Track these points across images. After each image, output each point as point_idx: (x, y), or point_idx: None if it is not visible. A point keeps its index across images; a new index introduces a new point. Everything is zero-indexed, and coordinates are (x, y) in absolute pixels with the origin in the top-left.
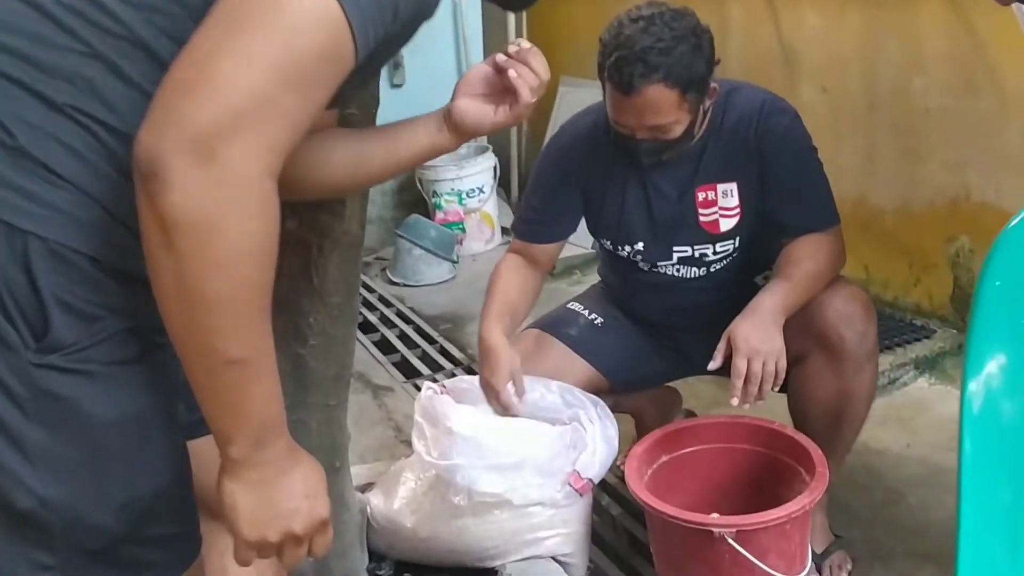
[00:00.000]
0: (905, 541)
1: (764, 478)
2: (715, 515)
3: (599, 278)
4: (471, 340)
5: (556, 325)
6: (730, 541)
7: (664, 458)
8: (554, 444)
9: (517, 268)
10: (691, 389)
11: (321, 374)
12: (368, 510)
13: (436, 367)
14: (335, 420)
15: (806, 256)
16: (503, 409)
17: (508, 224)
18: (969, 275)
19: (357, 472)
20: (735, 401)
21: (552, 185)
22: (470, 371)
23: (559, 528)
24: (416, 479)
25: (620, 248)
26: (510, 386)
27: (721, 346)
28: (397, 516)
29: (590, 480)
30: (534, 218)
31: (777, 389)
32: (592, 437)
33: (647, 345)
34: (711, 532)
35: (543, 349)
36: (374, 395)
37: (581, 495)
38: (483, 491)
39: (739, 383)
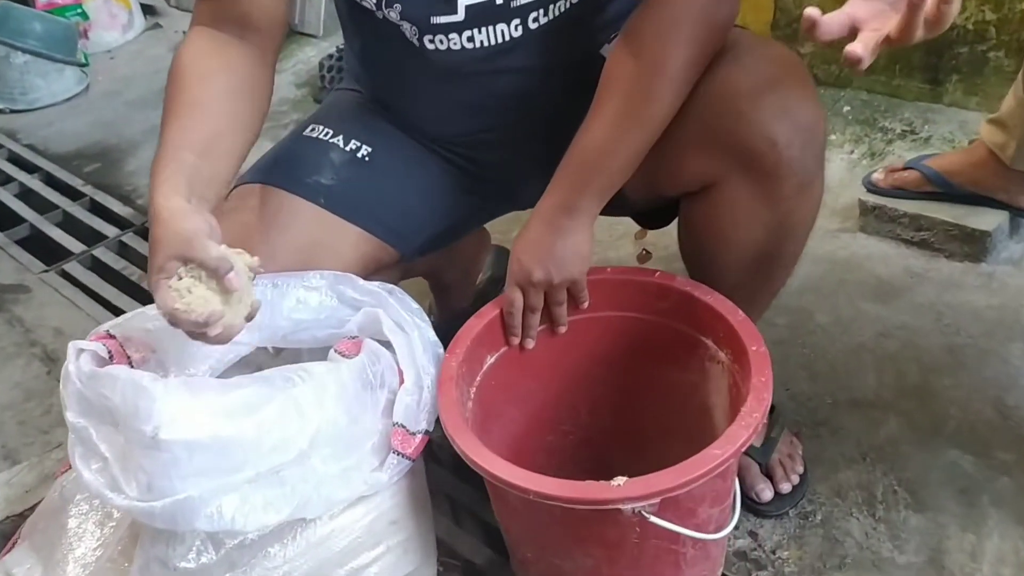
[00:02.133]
0: (840, 384)
1: (645, 358)
2: (620, 480)
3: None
4: (140, 182)
5: (293, 171)
6: (650, 518)
7: (491, 359)
8: (349, 391)
9: (212, 54)
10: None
11: None
12: None
13: (93, 237)
14: None
15: (642, 60)
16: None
17: (152, 1)
18: None
19: None
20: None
21: None
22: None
23: (387, 538)
24: (98, 531)
25: None
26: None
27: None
28: None
29: (425, 432)
30: None
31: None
32: (409, 355)
33: (446, 179)
34: (617, 510)
35: (279, 219)
36: None
37: (413, 459)
38: (253, 527)
39: (509, 320)
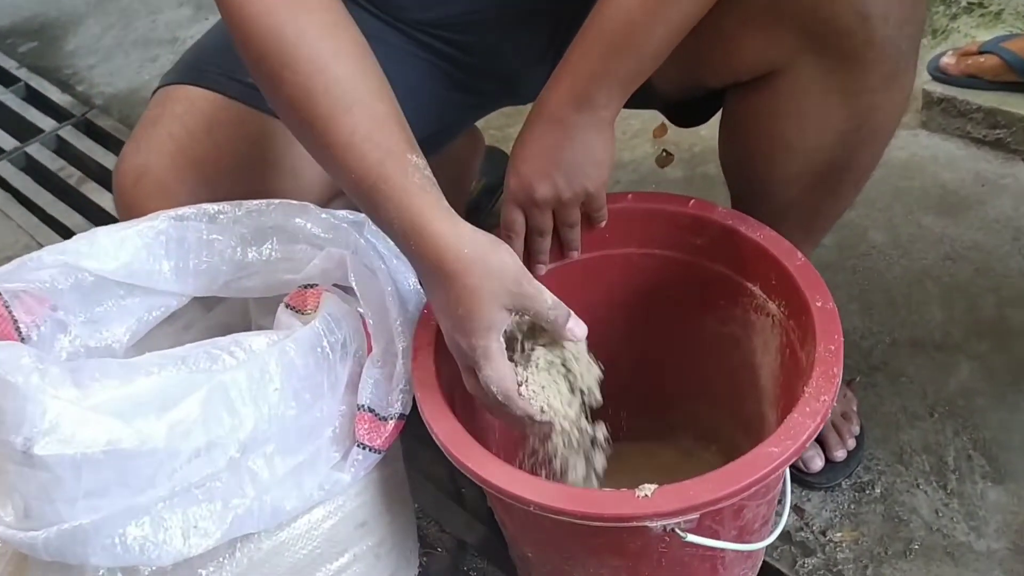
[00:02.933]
0: (900, 320)
1: (672, 305)
2: (647, 489)
3: None
4: (80, 63)
5: (232, 67)
6: (685, 536)
7: None
8: (298, 369)
9: (291, 6)
10: None
11: None
12: None
13: (27, 131)
14: None
15: None
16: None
17: None
18: None
19: None
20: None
21: None
22: (90, 129)
23: (354, 544)
24: None
25: None
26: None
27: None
28: None
29: (400, 416)
30: None
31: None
32: (380, 312)
33: (430, 71)
34: (645, 527)
35: (216, 132)
36: None
37: (382, 450)
38: (171, 557)
39: (510, 243)
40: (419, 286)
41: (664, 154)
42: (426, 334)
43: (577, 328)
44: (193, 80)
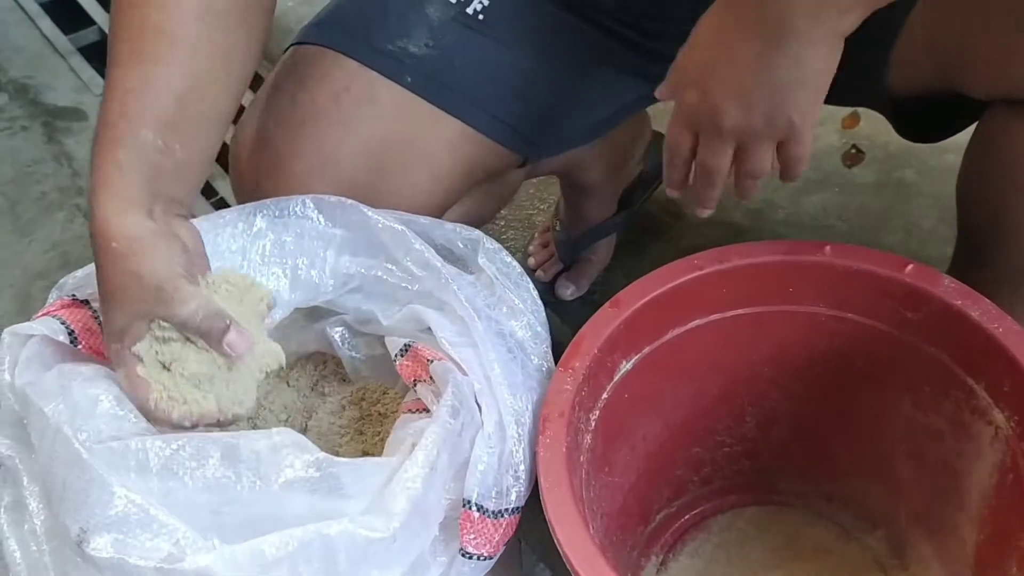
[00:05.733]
0: None
1: (862, 378)
2: None
3: None
4: None
5: (367, 32)
6: None
7: (626, 365)
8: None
9: None
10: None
11: None
12: None
13: None
14: None
15: None
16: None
17: None
18: None
19: None
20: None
21: None
22: None
23: None
24: None
25: None
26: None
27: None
28: None
29: (515, 511)
30: None
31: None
32: (495, 377)
33: (598, 55)
34: None
35: (343, 104)
36: None
37: (493, 556)
38: None
39: (669, 170)
40: (544, 324)
41: (853, 151)
42: (557, 405)
43: (238, 343)
44: (324, 42)
